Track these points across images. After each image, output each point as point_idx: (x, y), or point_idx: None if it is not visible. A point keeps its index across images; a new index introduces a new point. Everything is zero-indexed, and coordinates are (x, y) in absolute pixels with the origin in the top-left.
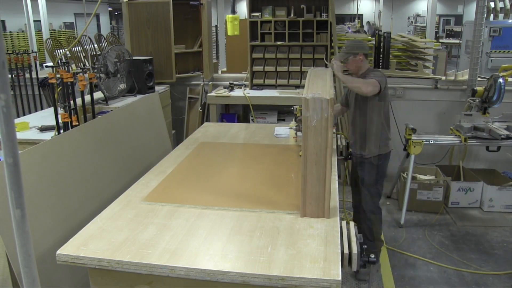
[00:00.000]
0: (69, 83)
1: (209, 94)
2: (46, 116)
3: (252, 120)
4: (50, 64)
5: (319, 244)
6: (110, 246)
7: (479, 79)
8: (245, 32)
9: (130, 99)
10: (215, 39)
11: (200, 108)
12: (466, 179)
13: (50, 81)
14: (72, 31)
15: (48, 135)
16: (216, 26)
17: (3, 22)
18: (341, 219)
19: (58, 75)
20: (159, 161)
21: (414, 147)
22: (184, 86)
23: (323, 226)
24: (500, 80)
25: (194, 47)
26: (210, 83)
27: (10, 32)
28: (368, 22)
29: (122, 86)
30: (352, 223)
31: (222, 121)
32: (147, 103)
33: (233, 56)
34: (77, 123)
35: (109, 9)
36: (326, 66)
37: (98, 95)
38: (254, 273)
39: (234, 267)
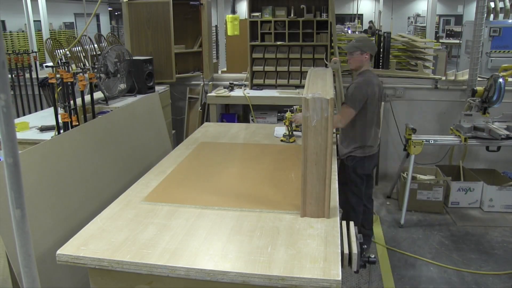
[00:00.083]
0: (69, 83)
1: (209, 94)
2: (46, 116)
3: (252, 120)
4: (50, 64)
5: (319, 244)
6: (110, 246)
7: (479, 79)
8: (245, 32)
9: (130, 99)
10: (215, 39)
11: (200, 108)
12: (466, 179)
13: (50, 81)
14: (72, 31)
15: (48, 135)
16: (216, 26)
17: (3, 22)
18: (341, 219)
19: (58, 75)
20: (159, 161)
21: (414, 147)
22: (184, 86)
23: (323, 226)
24: (500, 80)
25: (194, 47)
26: (210, 83)
27: (10, 32)
28: (371, 21)
29: (122, 86)
30: (352, 223)
31: (222, 121)
32: (147, 103)
33: (233, 56)
34: (77, 123)
35: (109, 9)
36: (326, 66)
37: (98, 95)
38: (254, 273)
39: (234, 267)
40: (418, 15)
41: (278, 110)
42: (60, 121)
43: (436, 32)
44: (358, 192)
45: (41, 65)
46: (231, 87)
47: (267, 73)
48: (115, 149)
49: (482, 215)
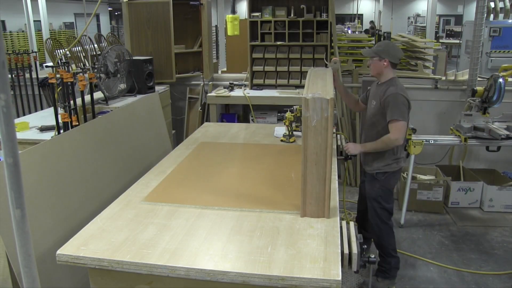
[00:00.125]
0: (69, 83)
1: (209, 94)
2: (46, 116)
3: (252, 120)
4: (50, 64)
5: (319, 244)
6: (110, 246)
7: (479, 79)
8: (245, 32)
9: (130, 99)
10: (215, 39)
11: (200, 108)
12: (466, 179)
13: (50, 81)
14: (72, 31)
15: (48, 135)
16: (216, 26)
17: (3, 22)
18: (341, 219)
19: (58, 75)
20: (159, 161)
21: (414, 147)
22: (184, 86)
23: (323, 226)
24: (500, 80)
25: (194, 47)
26: (210, 83)
27: (10, 32)
28: (371, 22)
29: (122, 86)
30: (352, 223)
31: (222, 121)
32: (147, 103)
33: (233, 56)
34: (77, 123)
35: (109, 9)
36: (326, 66)
37: (98, 95)
38: (254, 273)
39: (234, 267)
40: (418, 15)
41: (278, 110)
42: (60, 121)
43: (436, 32)
44: (389, 208)
45: (41, 65)
46: (231, 87)
47: (267, 73)
48: (115, 149)
49: (482, 215)
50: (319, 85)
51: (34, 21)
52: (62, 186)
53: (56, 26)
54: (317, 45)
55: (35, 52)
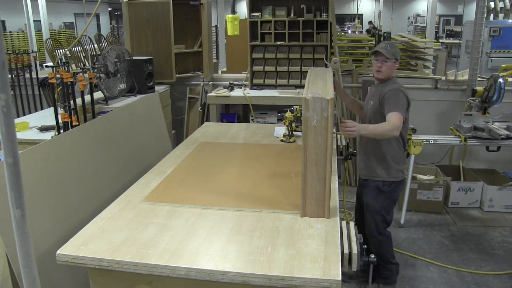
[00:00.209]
0: (69, 83)
1: (209, 94)
2: (46, 116)
3: (252, 120)
4: (50, 64)
5: (319, 244)
6: (110, 246)
7: (479, 79)
8: (245, 32)
9: (130, 99)
10: (215, 39)
11: (200, 108)
12: (466, 179)
13: (50, 81)
14: (72, 31)
15: (48, 135)
16: (216, 26)
17: (3, 22)
18: (341, 219)
19: (58, 75)
20: (159, 161)
21: (414, 147)
22: (184, 86)
23: (323, 226)
24: (500, 80)
25: (194, 47)
26: (210, 83)
27: (10, 32)
28: (370, 22)
29: (122, 86)
30: (352, 223)
31: (222, 121)
32: (147, 103)
33: (233, 56)
34: (77, 123)
35: (109, 9)
36: (326, 66)
37: (98, 95)
38: (254, 273)
39: (234, 267)
40: (418, 15)
41: (278, 110)
42: (60, 121)
43: (436, 32)
44: (390, 220)
45: (41, 65)
46: (231, 87)
47: (267, 73)
48: (115, 149)
49: (482, 215)
50: (319, 85)
51: (34, 21)
52: (62, 186)
53: (56, 26)
54: (317, 45)
55: (35, 52)
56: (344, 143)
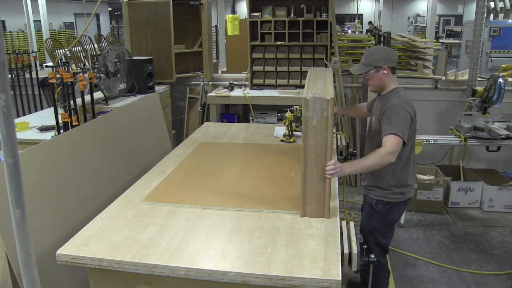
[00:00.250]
0: (69, 83)
1: (209, 94)
2: (46, 116)
3: (252, 120)
4: (50, 64)
5: (319, 244)
6: (110, 246)
7: (479, 79)
8: (245, 32)
9: (130, 99)
10: (215, 39)
11: (200, 108)
12: (466, 179)
13: (50, 81)
14: (72, 31)
15: (48, 135)
16: (216, 26)
17: (3, 22)
18: (341, 219)
19: (58, 75)
20: (159, 161)
21: (414, 147)
22: (184, 86)
23: (323, 226)
24: (500, 80)
25: (194, 47)
26: (210, 83)
27: (10, 32)
28: (369, 22)
29: (122, 86)
30: (352, 223)
31: (222, 121)
32: (147, 103)
33: (233, 56)
34: (77, 123)
35: (109, 9)
36: (326, 66)
37: (98, 95)
38: (254, 273)
39: (234, 267)
40: (418, 15)
41: (278, 110)
42: (60, 121)
43: (436, 32)
44: (385, 243)
45: (41, 65)
46: (231, 87)
47: (267, 73)
48: (115, 149)
49: (482, 215)
50: (319, 85)
51: (34, 21)
52: (62, 186)
53: (56, 26)
54: (317, 45)
55: (35, 52)
56: (344, 143)
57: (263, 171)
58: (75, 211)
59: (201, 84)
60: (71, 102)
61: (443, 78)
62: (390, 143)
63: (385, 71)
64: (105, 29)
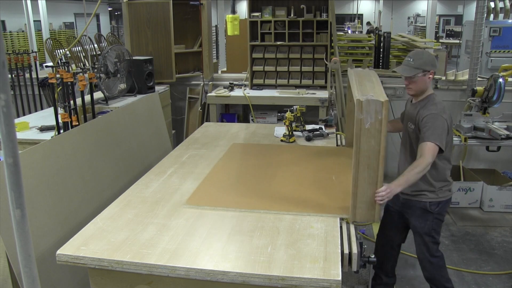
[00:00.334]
0: (69, 83)
1: (209, 94)
2: (46, 116)
3: (252, 120)
4: (50, 64)
5: (319, 244)
6: (110, 246)
7: (479, 79)
8: (245, 32)
9: (130, 99)
10: (215, 39)
11: (200, 108)
12: (466, 179)
13: (50, 81)
14: (72, 31)
15: (48, 135)
16: (216, 26)
17: (3, 22)
18: (341, 219)
19: (58, 75)
20: (159, 161)
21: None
22: (184, 86)
23: (323, 226)
24: (500, 80)
25: (194, 47)
26: (210, 83)
27: (10, 32)
28: (368, 23)
29: (122, 86)
30: (352, 224)
31: (222, 121)
32: (147, 103)
33: (233, 56)
34: (77, 123)
35: (109, 9)
36: (326, 66)
37: (98, 95)
38: (254, 273)
39: (234, 267)
40: (418, 15)
41: (278, 110)
42: (60, 121)
43: (436, 32)
44: (438, 240)
45: (41, 65)
46: (231, 87)
47: (267, 73)
48: (115, 149)
49: (482, 215)
50: (368, 87)
51: (34, 21)
52: (62, 186)
53: (56, 26)
54: (317, 45)
55: (35, 52)
56: (344, 143)
57: (301, 173)
58: (75, 211)
59: (201, 84)
60: (71, 102)
61: (443, 78)
62: (429, 152)
63: (430, 76)
64: (105, 29)
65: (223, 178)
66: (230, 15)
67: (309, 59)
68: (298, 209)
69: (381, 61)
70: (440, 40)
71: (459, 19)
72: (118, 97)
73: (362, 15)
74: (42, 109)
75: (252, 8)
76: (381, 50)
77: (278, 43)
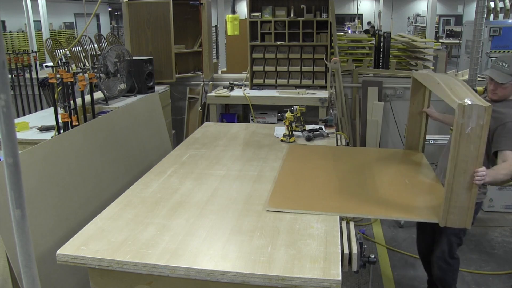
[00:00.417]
0: (69, 83)
1: (209, 94)
2: (46, 116)
3: (252, 120)
4: (50, 64)
5: (319, 244)
6: (110, 246)
7: (479, 79)
8: (245, 32)
9: (130, 99)
10: (215, 39)
11: (200, 108)
12: None
13: (50, 81)
14: (72, 31)
15: (48, 135)
16: (216, 26)
17: (3, 22)
18: (341, 219)
19: (58, 75)
20: (159, 161)
21: None
22: (184, 86)
23: (323, 226)
24: None
25: (194, 47)
26: (210, 83)
27: (10, 32)
28: (369, 22)
29: (122, 86)
30: (352, 223)
31: (222, 121)
32: (147, 103)
33: (233, 56)
34: (77, 123)
35: (109, 9)
36: (326, 66)
37: (98, 95)
38: (254, 273)
39: (234, 267)
40: (418, 15)
41: (278, 110)
42: (60, 121)
43: (436, 32)
44: (463, 242)
45: (41, 65)
46: (231, 87)
47: (267, 73)
48: (115, 149)
49: (482, 215)
50: (461, 91)
51: (34, 21)
52: (62, 186)
53: (56, 26)
54: (317, 45)
55: (35, 52)
56: (344, 143)
57: (377, 176)
58: (75, 211)
59: (201, 84)
60: (71, 102)
61: None
62: (510, 160)
63: None
64: (105, 29)
65: (295, 180)
66: (230, 15)
67: (309, 59)
68: (396, 213)
69: (381, 61)
70: (440, 40)
71: (459, 19)
72: (118, 97)
73: (362, 15)
74: (42, 109)
75: (252, 8)
76: (381, 50)
77: (278, 43)
